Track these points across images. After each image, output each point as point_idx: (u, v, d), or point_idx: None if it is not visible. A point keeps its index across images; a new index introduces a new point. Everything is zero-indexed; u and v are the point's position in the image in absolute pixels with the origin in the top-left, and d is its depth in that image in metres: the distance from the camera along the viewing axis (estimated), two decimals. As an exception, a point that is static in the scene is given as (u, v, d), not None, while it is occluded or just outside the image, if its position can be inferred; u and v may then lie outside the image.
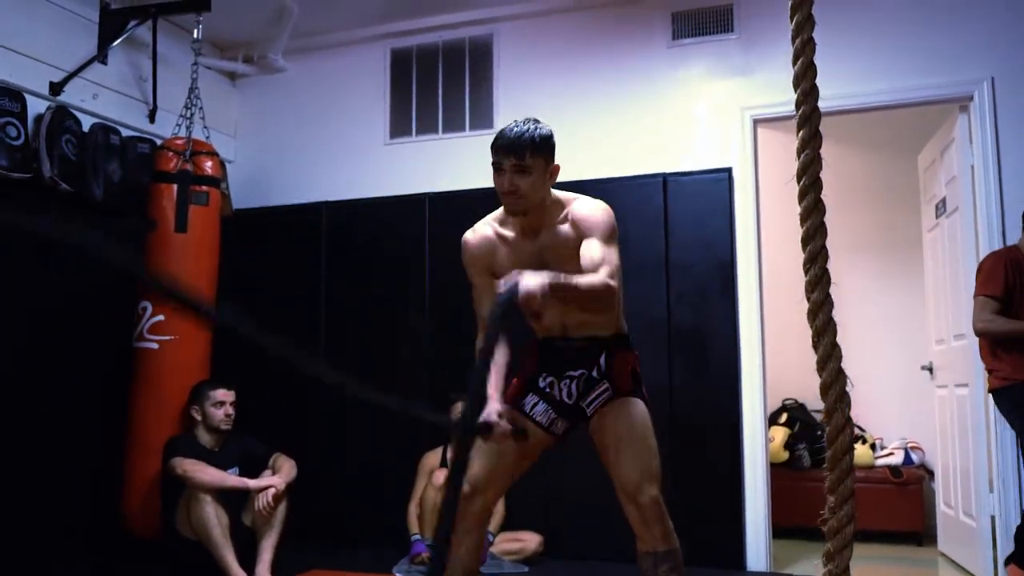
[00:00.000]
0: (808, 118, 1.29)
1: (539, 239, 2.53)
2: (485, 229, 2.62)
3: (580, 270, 2.37)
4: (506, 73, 5.02)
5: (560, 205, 2.55)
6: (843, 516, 1.23)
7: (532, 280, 2.09)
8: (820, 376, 1.24)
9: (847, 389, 1.24)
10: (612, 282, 2.33)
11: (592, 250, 2.40)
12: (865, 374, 5.80)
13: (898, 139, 5.71)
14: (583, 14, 4.90)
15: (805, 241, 1.28)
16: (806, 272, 1.28)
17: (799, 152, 1.29)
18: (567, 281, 2.21)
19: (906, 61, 4.32)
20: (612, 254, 2.41)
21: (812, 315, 1.27)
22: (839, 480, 1.23)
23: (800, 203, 1.28)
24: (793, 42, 1.29)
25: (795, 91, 1.30)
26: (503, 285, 2.11)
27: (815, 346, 1.26)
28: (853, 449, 1.24)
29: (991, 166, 4.12)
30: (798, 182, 1.29)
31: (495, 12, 5.00)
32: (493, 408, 2.40)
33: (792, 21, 1.30)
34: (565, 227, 2.51)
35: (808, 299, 1.27)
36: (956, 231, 4.38)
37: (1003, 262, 3.57)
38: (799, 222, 1.29)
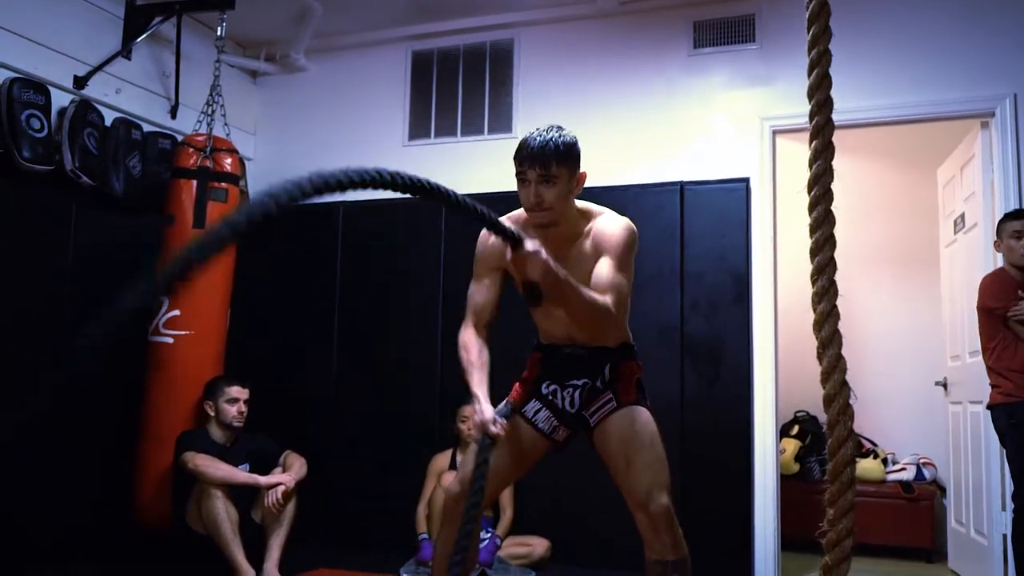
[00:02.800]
0: (822, 129, 1.29)
1: (560, 251, 2.42)
2: None
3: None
4: (526, 78, 5.03)
5: (585, 217, 2.49)
6: (842, 529, 1.22)
7: (543, 253, 2.09)
8: (824, 388, 1.24)
9: (851, 402, 1.23)
10: (612, 309, 2.31)
11: (602, 271, 2.37)
12: (879, 388, 5.78)
13: (918, 153, 5.68)
14: (604, 21, 4.91)
15: (814, 252, 1.28)
16: (813, 283, 1.28)
17: (811, 163, 1.29)
18: (569, 281, 2.18)
19: (928, 76, 4.31)
20: (622, 277, 2.38)
21: (818, 326, 1.27)
22: (840, 493, 1.22)
23: (810, 214, 1.28)
24: (809, 53, 1.29)
25: (809, 102, 1.29)
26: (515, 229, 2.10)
27: (820, 357, 1.25)
28: (855, 462, 1.23)
29: (1011, 183, 4.10)
30: (809, 193, 1.29)
31: (517, 17, 5.01)
32: (487, 414, 2.36)
33: (809, 32, 1.30)
34: (587, 243, 2.45)
35: (815, 310, 1.27)
36: (974, 247, 4.36)
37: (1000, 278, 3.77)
38: (809, 233, 1.29)
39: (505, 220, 2.58)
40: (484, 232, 2.57)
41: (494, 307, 2.56)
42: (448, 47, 5.20)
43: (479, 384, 2.43)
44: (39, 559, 3.94)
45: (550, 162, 2.32)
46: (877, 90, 4.35)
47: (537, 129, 2.39)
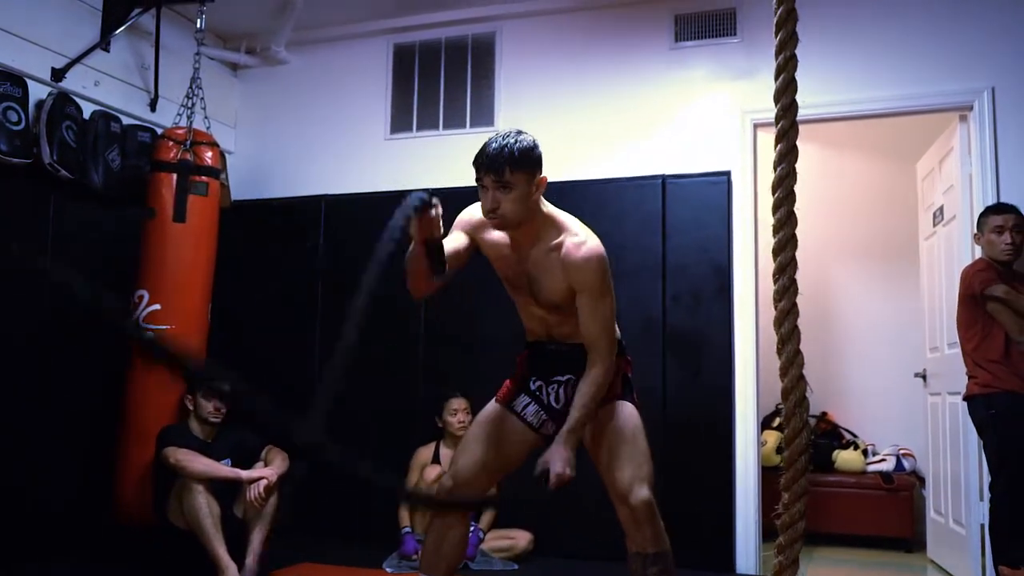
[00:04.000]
0: (786, 132, 1.31)
1: (528, 255, 2.48)
2: None
3: (563, 300, 2.46)
4: (508, 71, 5.02)
5: (555, 228, 2.47)
6: (795, 512, 1.33)
7: (558, 461, 2.34)
8: (782, 381, 1.29)
9: (807, 395, 1.29)
10: (607, 367, 2.45)
11: (585, 322, 2.44)
12: (859, 380, 5.83)
13: (897, 147, 5.71)
14: (586, 14, 4.90)
15: (776, 252, 1.30)
16: (775, 281, 1.31)
17: (775, 165, 1.31)
18: (582, 420, 2.41)
19: (907, 69, 4.33)
20: (605, 310, 2.44)
21: (778, 323, 1.31)
22: (794, 479, 1.31)
23: (774, 215, 1.30)
24: (776, 58, 1.31)
25: (775, 105, 1.31)
26: (539, 468, 2.34)
27: (779, 352, 1.31)
28: (809, 451, 1.31)
29: (989, 176, 4.13)
30: (773, 194, 1.31)
31: (499, 10, 5.00)
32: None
33: (776, 38, 1.31)
34: (555, 260, 2.44)
35: (775, 307, 1.31)
36: (953, 240, 4.39)
37: (986, 265, 3.76)
38: (772, 233, 1.31)
39: (473, 209, 2.58)
40: (472, 206, 2.57)
41: (457, 259, 2.48)
42: (430, 40, 5.19)
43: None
44: (20, 556, 3.91)
45: (503, 168, 2.31)
46: (857, 84, 4.37)
47: (496, 134, 2.39)
